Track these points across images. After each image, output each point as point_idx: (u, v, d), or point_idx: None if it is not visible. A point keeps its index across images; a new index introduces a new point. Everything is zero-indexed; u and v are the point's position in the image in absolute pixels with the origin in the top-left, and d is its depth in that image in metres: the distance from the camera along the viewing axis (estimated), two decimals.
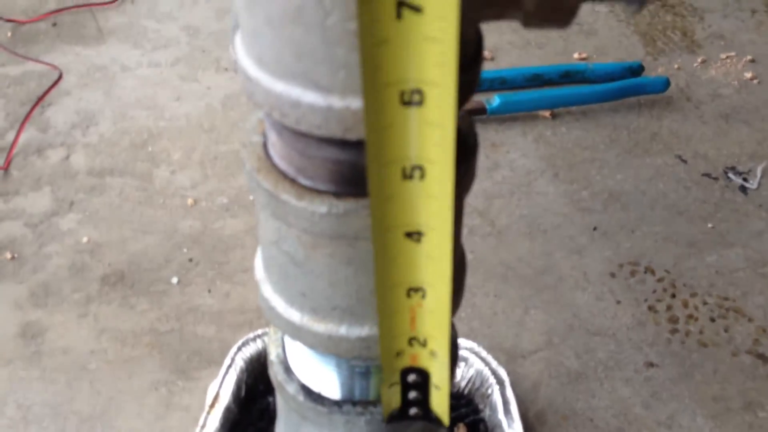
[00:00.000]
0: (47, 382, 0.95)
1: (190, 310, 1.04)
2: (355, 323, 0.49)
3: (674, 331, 1.02)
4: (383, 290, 0.43)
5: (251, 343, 0.91)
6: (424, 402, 0.51)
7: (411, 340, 0.47)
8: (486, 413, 0.89)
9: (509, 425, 0.85)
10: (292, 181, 0.42)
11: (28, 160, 1.26)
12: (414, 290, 0.44)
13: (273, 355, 0.60)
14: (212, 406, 0.85)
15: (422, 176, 0.36)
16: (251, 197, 1.20)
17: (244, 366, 0.89)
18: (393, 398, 0.51)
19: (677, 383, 0.96)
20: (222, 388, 0.86)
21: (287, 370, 0.59)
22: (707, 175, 1.26)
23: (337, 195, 0.41)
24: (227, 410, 0.85)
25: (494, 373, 0.90)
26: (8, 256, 1.10)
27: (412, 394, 0.50)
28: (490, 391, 0.89)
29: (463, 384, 0.91)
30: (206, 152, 1.28)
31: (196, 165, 1.26)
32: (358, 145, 0.37)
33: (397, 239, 0.40)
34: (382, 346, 0.46)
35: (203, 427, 0.83)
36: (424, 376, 0.49)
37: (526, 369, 0.98)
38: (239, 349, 0.90)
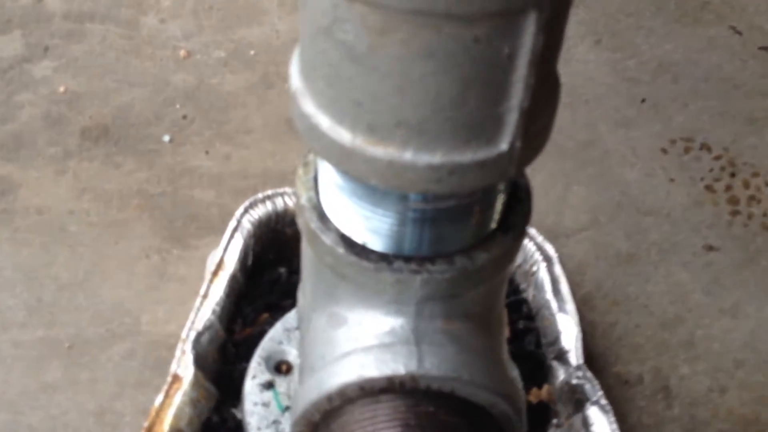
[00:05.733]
0: (20, 243, 0.81)
1: (185, 171, 0.90)
2: (425, 147, 0.36)
3: (735, 212, 0.91)
4: None
5: (260, 205, 0.77)
6: None
7: None
8: (529, 293, 0.78)
9: (560, 307, 0.74)
10: None
11: None
12: None
13: (304, 199, 0.46)
14: (215, 273, 0.72)
15: None
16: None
17: (252, 230, 0.76)
18: None
19: (741, 269, 0.85)
20: (227, 253, 0.73)
21: (322, 216, 0.46)
22: (765, 48, 1.12)
23: None
24: (233, 279, 0.72)
25: (540, 248, 0.78)
26: None
27: None
28: (535, 268, 0.77)
29: None
30: (200, 1, 1.12)
31: (189, 14, 1.10)
32: None
33: None
34: None
35: (205, 296, 0.70)
36: None
37: (570, 249, 0.87)
38: (246, 210, 0.76)
